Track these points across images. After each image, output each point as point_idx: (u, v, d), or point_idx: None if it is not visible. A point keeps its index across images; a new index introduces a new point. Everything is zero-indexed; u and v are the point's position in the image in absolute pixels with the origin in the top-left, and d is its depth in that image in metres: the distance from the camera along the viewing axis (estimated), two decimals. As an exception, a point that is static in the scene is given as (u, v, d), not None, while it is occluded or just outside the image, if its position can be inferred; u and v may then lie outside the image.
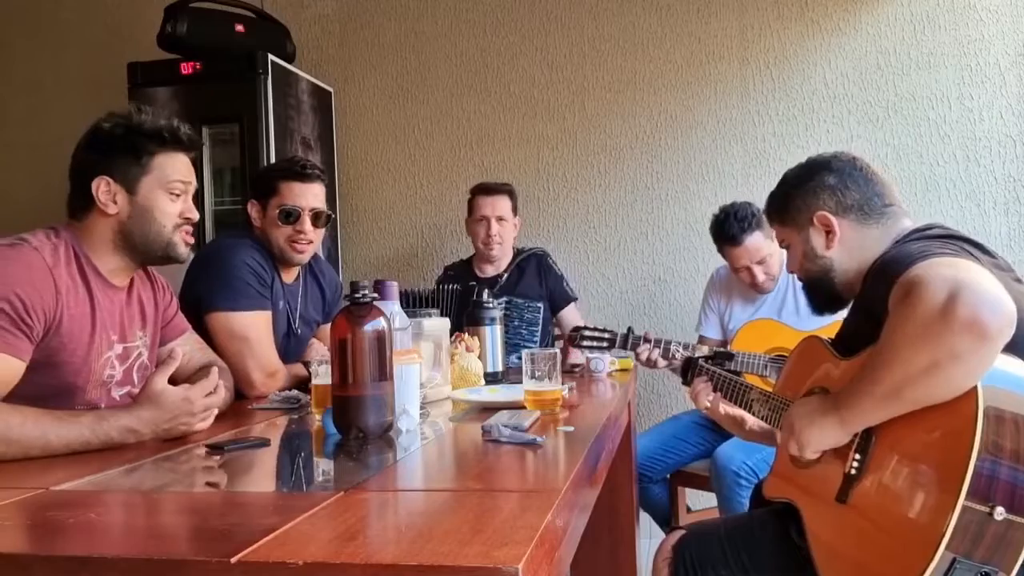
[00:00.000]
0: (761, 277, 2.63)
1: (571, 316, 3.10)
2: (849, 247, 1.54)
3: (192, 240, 1.62)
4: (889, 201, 1.55)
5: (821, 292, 1.62)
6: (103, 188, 1.52)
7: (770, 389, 1.67)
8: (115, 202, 1.53)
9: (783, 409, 1.52)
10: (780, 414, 1.53)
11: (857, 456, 1.30)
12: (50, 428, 1.25)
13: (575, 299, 3.15)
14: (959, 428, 1.14)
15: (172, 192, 1.57)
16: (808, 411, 1.37)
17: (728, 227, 2.60)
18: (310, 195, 2.12)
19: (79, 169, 1.55)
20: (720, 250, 2.71)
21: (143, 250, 1.56)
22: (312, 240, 2.12)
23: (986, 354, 1.12)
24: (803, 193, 1.58)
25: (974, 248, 1.38)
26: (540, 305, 3.03)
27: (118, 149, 1.53)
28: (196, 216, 1.61)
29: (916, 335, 1.15)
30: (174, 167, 1.57)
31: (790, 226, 1.61)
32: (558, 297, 3.11)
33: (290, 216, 2.07)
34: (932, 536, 1.11)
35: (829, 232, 1.55)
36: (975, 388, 1.15)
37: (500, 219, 3.00)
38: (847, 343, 1.47)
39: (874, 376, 1.23)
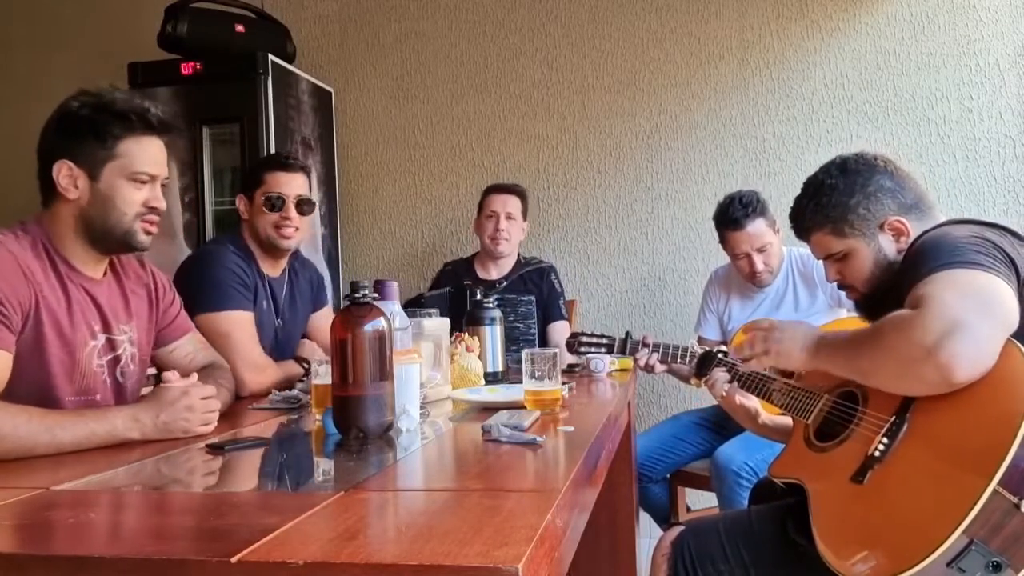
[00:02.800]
0: (760, 266, 2.63)
1: (559, 333, 3.01)
2: None
3: (155, 230, 1.55)
4: (929, 196, 1.56)
5: (886, 299, 1.53)
6: (64, 172, 1.47)
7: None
8: (76, 187, 1.47)
9: (807, 398, 1.53)
10: (803, 403, 1.55)
11: (884, 440, 1.31)
12: (55, 423, 1.26)
13: (564, 319, 3.09)
14: (1005, 417, 1.15)
15: (137, 180, 1.50)
16: (797, 326, 1.51)
17: (732, 211, 2.60)
18: (294, 184, 2.19)
19: (44, 151, 1.50)
20: (721, 238, 2.70)
21: (103, 238, 1.50)
22: (298, 227, 2.17)
23: (944, 390, 1.22)
24: (864, 200, 1.52)
25: (1014, 239, 1.38)
26: (532, 298, 3.01)
27: (83, 131, 1.47)
28: (162, 205, 1.54)
29: (896, 353, 1.24)
30: (142, 154, 1.50)
31: (852, 236, 1.54)
32: (550, 311, 3.06)
33: (275, 203, 2.14)
34: (955, 515, 1.11)
35: (901, 235, 1.52)
36: None
37: (509, 216, 3.03)
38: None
39: (852, 348, 1.37)
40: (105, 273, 1.59)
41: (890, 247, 1.53)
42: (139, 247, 1.55)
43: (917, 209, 1.53)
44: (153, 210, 1.53)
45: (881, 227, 1.52)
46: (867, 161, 1.56)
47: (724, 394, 1.78)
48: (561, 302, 3.11)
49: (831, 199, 1.55)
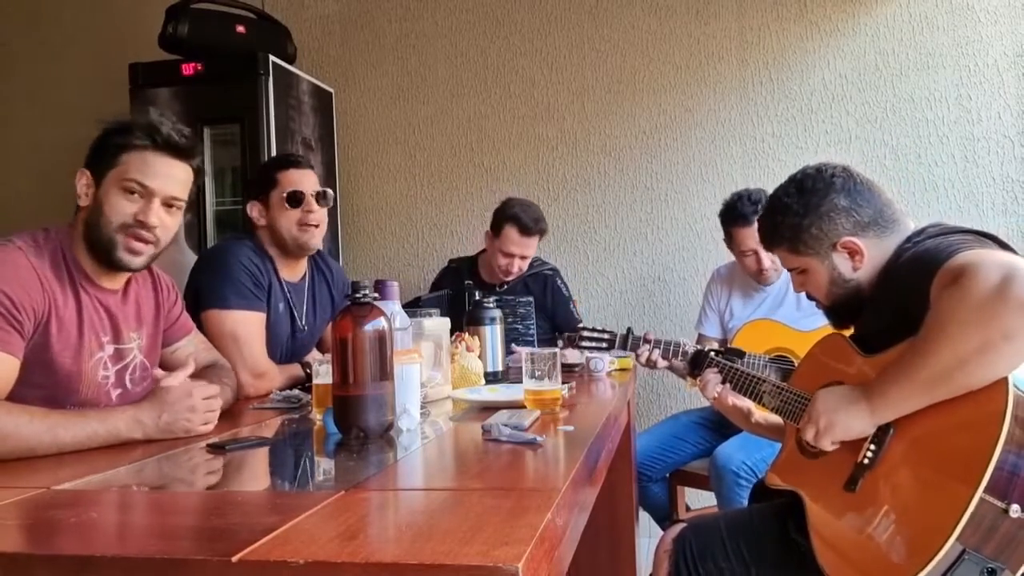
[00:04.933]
0: (767, 263, 2.62)
1: None
2: (874, 262, 1.52)
3: (142, 249, 1.50)
4: (895, 207, 1.55)
5: (848, 310, 1.58)
6: (82, 180, 1.51)
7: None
8: (87, 195, 1.50)
9: (796, 401, 1.53)
10: (793, 406, 1.54)
11: (872, 447, 1.31)
12: (59, 424, 1.26)
13: (580, 320, 3.08)
14: (986, 420, 1.15)
15: (127, 190, 1.47)
16: (835, 399, 1.38)
17: (741, 207, 2.60)
18: (308, 179, 2.17)
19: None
20: (727, 235, 2.70)
21: (93, 247, 1.49)
22: (320, 221, 2.14)
23: None
24: (817, 221, 1.52)
25: (999, 245, 1.38)
26: (531, 299, 3.00)
27: (99, 142, 1.51)
28: (149, 220, 1.48)
29: (969, 315, 1.16)
30: (140, 165, 1.48)
31: (807, 255, 1.56)
32: (562, 319, 3.05)
33: (296, 199, 2.10)
34: (945, 525, 1.12)
35: (855, 254, 1.52)
36: (1005, 381, 1.16)
37: (524, 257, 2.98)
38: (869, 342, 1.47)
39: (917, 362, 1.23)
40: (127, 284, 1.60)
41: (845, 266, 1.53)
42: (120, 263, 1.49)
43: (876, 226, 1.52)
44: (140, 224, 1.48)
45: (834, 247, 1.53)
46: (824, 179, 1.55)
47: (716, 395, 1.78)
48: (571, 306, 3.09)
49: (785, 219, 1.57)
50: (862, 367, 1.43)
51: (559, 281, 3.10)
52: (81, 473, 1.12)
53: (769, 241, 1.65)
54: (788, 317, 2.63)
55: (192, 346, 1.76)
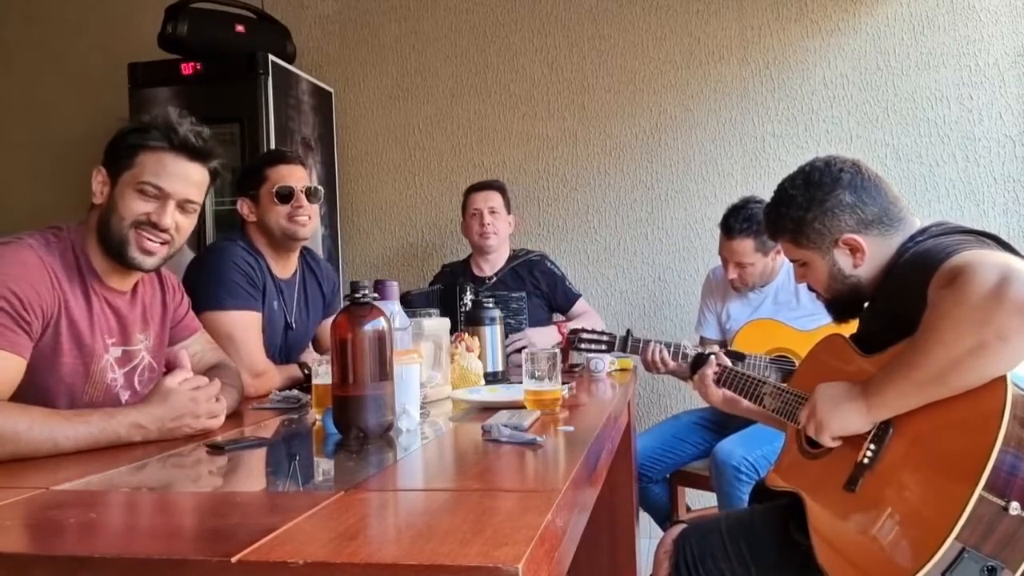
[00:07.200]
0: (732, 275, 2.65)
1: (583, 311, 3.09)
2: (875, 260, 1.51)
3: (156, 248, 1.49)
4: (900, 205, 1.54)
5: (848, 305, 1.59)
6: (98, 178, 1.50)
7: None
8: (101, 193, 1.50)
9: (797, 403, 1.53)
10: (793, 407, 1.54)
11: (872, 446, 1.31)
12: (58, 429, 1.25)
13: (579, 295, 3.15)
14: (985, 418, 1.15)
15: (142, 192, 1.47)
16: (833, 395, 1.38)
17: (733, 219, 2.61)
18: (297, 174, 2.18)
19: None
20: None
21: (107, 246, 1.48)
22: (310, 215, 2.14)
23: None
24: (821, 216, 1.52)
25: (1000, 245, 1.39)
26: (523, 293, 3.03)
27: (116, 141, 1.51)
28: (163, 222, 1.47)
29: (964, 316, 1.16)
30: (154, 167, 1.47)
31: (809, 249, 1.56)
32: (562, 298, 3.09)
33: (285, 195, 2.11)
34: (944, 523, 1.11)
35: (856, 251, 1.52)
36: (1004, 379, 1.16)
37: (492, 211, 3.05)
38: (869, 342, 1.46)
39: (913, 362, 1.23)
40: (135, 286, 1.59)
41: (846, 262, 1.54)
42: (134, 262, 1.49)
43: (880, 224, 1.51)
44: (153, 225, 1.48)
45: (836, 243, 1.53)
46: (832, 174, 1.54)
47: (696, 380, 1.81)
48: (568, 284, 3.13)
49: (789, 211, 1.57)
50: (862, 367, 1.43)
51: (548, 263, 3.14)
52: (80, 473, 1.12)
53: (772, 231, 1.66)
54: (788, 317, 2.63)
55: (199, 345, 1.75)
